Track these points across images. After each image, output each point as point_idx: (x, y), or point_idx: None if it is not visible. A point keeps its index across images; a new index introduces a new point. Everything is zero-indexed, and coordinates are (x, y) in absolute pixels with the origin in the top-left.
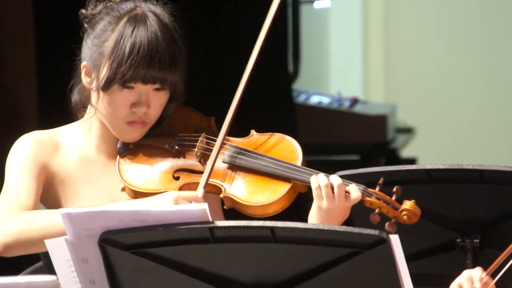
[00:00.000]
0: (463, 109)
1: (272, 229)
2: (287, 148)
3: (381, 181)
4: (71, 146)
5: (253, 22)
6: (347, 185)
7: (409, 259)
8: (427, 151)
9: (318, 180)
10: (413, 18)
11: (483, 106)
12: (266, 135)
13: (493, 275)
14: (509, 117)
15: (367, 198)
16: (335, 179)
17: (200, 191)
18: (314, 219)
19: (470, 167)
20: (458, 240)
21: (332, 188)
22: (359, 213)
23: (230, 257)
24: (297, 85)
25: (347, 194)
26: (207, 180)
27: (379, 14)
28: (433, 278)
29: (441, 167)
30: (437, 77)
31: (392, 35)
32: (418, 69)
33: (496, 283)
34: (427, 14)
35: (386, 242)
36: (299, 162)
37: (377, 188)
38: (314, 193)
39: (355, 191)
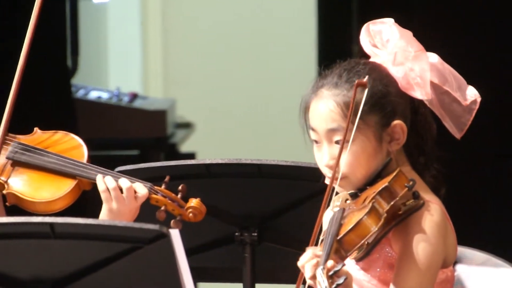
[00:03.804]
0: (241, 104)
1: (51, 225)
2: (71, 145)
3: (167, 179)
4: None
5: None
6: (134, 183)
7: (189, 253)
8: (206, 146)
9: (105, 183)
10: (191, 14)
11: (260, 102)
12: (49, 132)
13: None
14: (286, 113)
15: (153, 196)
16: (124, 182)
17: None
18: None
19: (248, 161)
20: (236, 233)
21: (121, 190)
22: (146, 211)
23: (9, 253)
24: (76, 80)
25: (135, 193)
26: None
27: (158, 9)
28: (213, 272)
29: (220, 161)
30: (215, 72)
31: (171, 30)
32: (196, 64)
33: None
34: (205, 10)
35: (166, 237)
36: (84, 159)
37: (163, 186)
38: (103, 196)
39: (141, 189)
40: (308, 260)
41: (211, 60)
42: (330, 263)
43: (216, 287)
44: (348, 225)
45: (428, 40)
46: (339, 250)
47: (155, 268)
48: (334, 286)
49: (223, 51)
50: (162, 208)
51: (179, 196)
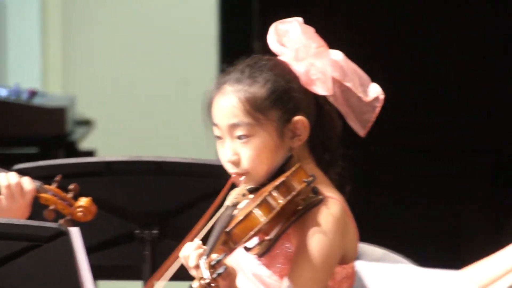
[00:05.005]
0: (142, 102)
1: None
2: None
3: (58, 177)
4: None
5: None
6: (21, 178)
7: (89, 251)
8: (106, 143)
9: None
10: (91, 10)
11: (161, 99)
12: None
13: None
14: (188, 110)
15: (43, 195)
16: (12, 177)
17: None
18: None
19: (149, 158)
20: (137, 231)
21: (11, 187)
22: (38, 211)
23: None
24: None
25: (23, 190)
26: None
27: (58, 4)
28: (113, 270)
29: (120, 159)
30: (115, 69)
31: (71, 26)
32: (97, 61)
33: None
34: (105, 6)
35: (65, 235)
36: None
37: (54, 185)
38: None
39: (28, 184)
40: (194, 250)
41: (111, 57)
42: (214, 254)
43: (117, 285)
44: (239, 217)
45: (331, 38)
46: (227, 242)
47: (54, 267)
48: (215, 275)
49: (123, 48)
50: (52, 207)
51: (70, 195)
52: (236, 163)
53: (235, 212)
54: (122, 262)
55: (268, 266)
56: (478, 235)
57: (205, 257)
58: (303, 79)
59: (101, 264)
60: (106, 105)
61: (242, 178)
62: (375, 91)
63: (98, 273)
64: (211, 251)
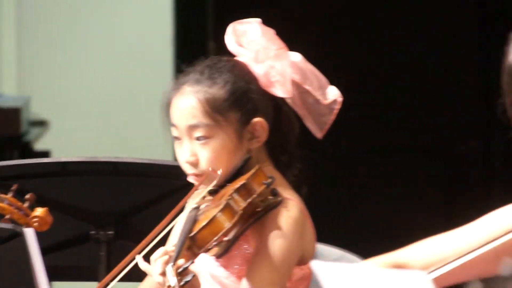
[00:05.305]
0: (97, 102)
1: None
2: None
3: (14, 187)
4: None
5: None
6: None
7: (44, 252)
8: (62, 144)
9: None
10: (46, 10)
11: (117, 99)
12: None
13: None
14: (143, 110)
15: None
16: None
17: None
18: None
19: (104, 159)
20: (92, 232)
21: None
22: None
23: None
24: None
25: None
26: None
27: (12, 5)
28: (69, 271)
29: (76, 159)
30: (70, 69)
31: (25, 26)
32: (51, 61)
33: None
34: (60, 6)
35: (20, 236)
36: None
37: (10, 194)
38: None
39: None
40: (160, 256)
41: (66, 57)
42: (180, 261)
43: (72, 286)
44: (202, 222)
45: (289, 39)
46: (192, 247)
47: (9, 268)
48: (182, 283)
49: (78, 48)
50: (7, 216)
51: (26, 204)
52: (195, 164)
53: (198, 213)
54: (77, 263)
55: (226, 267)
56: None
57: (171, 263)
58: (262, 81)
59: (57, 265)
60: (61, 105)
61: (200, 179)
62: (333, 93)
63: (54, 274)
64: (177, 257)
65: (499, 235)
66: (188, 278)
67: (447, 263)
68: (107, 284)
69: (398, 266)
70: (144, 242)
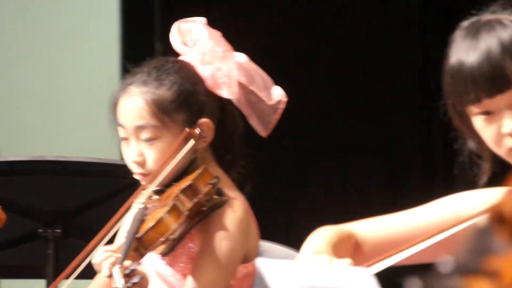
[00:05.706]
0: (44, 101)
1: None
2: None
3: None
4: None
5: None
6: None
7: None
8: (9, 143)
9: None
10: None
11: (64, 98)
12: None
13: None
14: (89, 110)
15: None
16: None
17: None
18: None
19: (52, 158)
20: (40, 230)
21: None
22: None
23: None
24: None
25: None
26: None
27: None
28: (16, 269)
29: (24, 158)
30: (16, 67)
31: None
32: None
33: None
34: (4, 3)
35: None
36: None
37: None
38: None
39: None
40: (106, 258)
41: (12, 55)
42: (127, 262)
43: (19, 284)
44: (149, 222)
45: (232, 39)
46: (138, 248)
47: None
48: (129, 285)
49: (23, 45)
50: None
51: None
52: (141, 164)
53: (145, 213)
54: (25, 261)
55: (171, 265)
56: None
57: (118, 265)
58: (208, 83)
59: (4, 263)
60: (7, 104)
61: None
62: (278, 94)
63: (1, 272)
64: (124, 259)
65: (450, 221)
66: (136, 280)
67: (388, 255)
68: (60, 283)
69: (348, 236)
70: (93, 241)
